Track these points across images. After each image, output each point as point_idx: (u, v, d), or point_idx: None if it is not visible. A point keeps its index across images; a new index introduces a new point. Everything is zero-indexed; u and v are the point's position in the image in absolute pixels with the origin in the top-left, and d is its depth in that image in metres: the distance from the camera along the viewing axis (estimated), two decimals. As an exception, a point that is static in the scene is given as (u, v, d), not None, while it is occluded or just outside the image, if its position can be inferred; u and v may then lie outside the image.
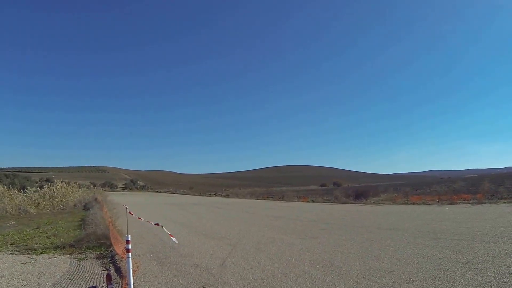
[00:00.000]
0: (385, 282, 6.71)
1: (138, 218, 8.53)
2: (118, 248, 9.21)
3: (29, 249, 10.70)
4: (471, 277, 6.76)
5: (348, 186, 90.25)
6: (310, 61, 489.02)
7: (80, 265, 8.83)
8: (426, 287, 6.29)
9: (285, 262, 8.74)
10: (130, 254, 6.05)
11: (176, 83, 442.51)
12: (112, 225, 11.70)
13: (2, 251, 10.39)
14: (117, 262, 8.85)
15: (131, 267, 5.97)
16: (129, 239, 6.21)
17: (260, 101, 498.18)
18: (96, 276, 7.71)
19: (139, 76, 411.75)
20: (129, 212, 8.68)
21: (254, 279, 7.23)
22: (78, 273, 8.04)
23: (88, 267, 8.59)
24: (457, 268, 7.47)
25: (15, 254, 9.99)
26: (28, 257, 9.56)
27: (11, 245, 11.41)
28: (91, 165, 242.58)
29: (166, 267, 8.53)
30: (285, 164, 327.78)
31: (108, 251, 10.32)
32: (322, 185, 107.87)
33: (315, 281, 6.90)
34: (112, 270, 8.15)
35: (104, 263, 8.98)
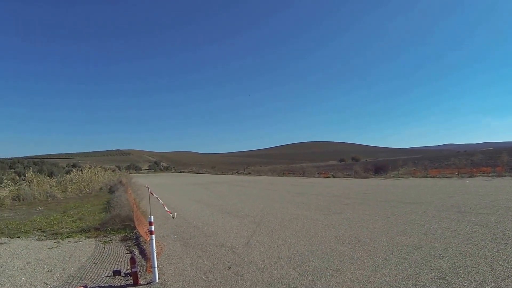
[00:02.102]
0: (414, 258, 6.48)
1: (158, 199, 8.35)
2: (142, 230, 9.14)
3: (56, 233, 10.78)
4: (502, 252, 6.50)
5: (366, 161, 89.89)
6: (326, 37, 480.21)
7: (105, 248, 8.80)
8: (457, 264, 6.02)
9: (310, 239, 8.60)
10: (153, 236, 5.88)
11: (195, 65, 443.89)
12: (136, 206, 11.65)
13: (30, 237, 10.48)
14: (142, 244, 8.80)
15: (154, 249, 5.81)
16: (152, 220, 6.03)
17: (277, 79, 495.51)
18: (121, 259, 7.65)
19: (160, 59, 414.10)
20: (150, 193, 8.51)
21: (281, 258, 7.06)
22: (103, 256, 8.00)
23: (113, 250, 8.55)
24: (487, 243, 7.20)
25: (42, 239, 10.05)
26: (54, 242, 9.60)
27: (38, 230, 11.53)
28: (116, 148, 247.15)
29: (191, 248, 8.41)
30: (304, 141, 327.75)
31: (132, 233, 10.32)
32: (340, 160, 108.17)
33: (343, 259, 6.73)
34: (136, 253, 8.08)
35: (128, 246, 8.93)
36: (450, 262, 6.10)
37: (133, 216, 11.20)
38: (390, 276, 5.61)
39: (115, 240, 9.75)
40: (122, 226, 11.14)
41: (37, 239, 10.11)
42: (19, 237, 10.50)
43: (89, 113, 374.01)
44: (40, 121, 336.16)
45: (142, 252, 8.12)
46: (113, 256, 8.01)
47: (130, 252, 7.65)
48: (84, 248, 8.86)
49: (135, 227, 10.49)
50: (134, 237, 9.77)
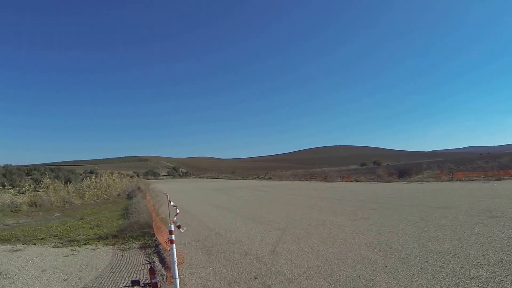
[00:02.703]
0: (451, 267, 6.14)
1: (174, 206, 8.04)
2: (162, 238, 8.88)
3: (72, 240, 10.65)
4: (545, 260, 6.11)
5: (388, 164, 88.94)
6: (342, 37, 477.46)
7: (123, 256, 8.57)
8: (498, 273, 5.66)
9: (339, 246, 8.35)
10: (174, 245, 5.55)
11: (211, 70, 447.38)
12: (155, 213, 11.43)
13: (46, 244, 10.36)
14: (162, 252, 8.55)
15: (175, 259, 5.49)
16: (172, 229, 5.72)
17: (296, 81, 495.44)
18: (140, 268, 7.40)
19: (176, 65, 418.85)
20: (168, 200, 8.22)
21: (310, 267, 6.76)
22: (121, 264, 7.76)
23: (131, 258, 8.31)
24: (527, 251, 6.82)
25: (58, 247, 9.91)
26: (71, 249, 9.44)
27: (55, 237, 11.43)
28: (134, 155, 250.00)
29: (214, 256, 8.10)
30: (324, 145, 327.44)
31: (152, 240, 10.08)
32: (362, 164, 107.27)
33: (376, 267, 6.44)
34: (156, 262, 7.82)
35: (147, 254, 8.68)
36: (490, 271, 5.76)
37: (152, 223, 10.97)
38: (427, 287, 5.31)
39: (134, 247, 9.52)
40: (141, 233, 10.93)
41: (53, 246, 9.98)
42: (35, 244, 10.39)
43: (106, 120, 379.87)
44: (56, 128, 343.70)
45: (162, 261, 7.86)
46: (132, 264, 7.77)
47: (150, 262, 7.37)
48: (102, 256, 8.66)
49: (154, 234, 10.26)
50: (154, 245, 9.52)
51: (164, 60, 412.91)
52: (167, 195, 8.01)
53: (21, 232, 12.51)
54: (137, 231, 11.15)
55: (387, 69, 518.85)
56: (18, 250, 9.47)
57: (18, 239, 11.11)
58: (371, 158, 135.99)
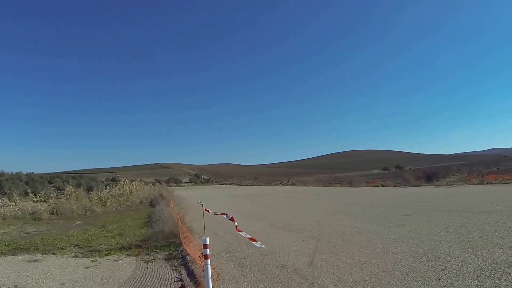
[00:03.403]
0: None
1: (215, 213, 7.41)
2: (190, 248, 8.33)
3: (93, 250, 10.20)
4: None
5: (410, 168, 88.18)
6: (363, 42, 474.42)
7: (147, 268, 8.01)
8: None
9: (382, 256, 7.76)
10: (209, 260, 4.94)
11: (232, 78, 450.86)
12: (182, 222, 10.88)
13: (66, 254, 9.95)
14: (190, 265, 7.94)
15: (210, 276, 4.88)
16: (207, 242, 5.10)
17: (316, 88, 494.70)
18: (166, 282, 6.82)
19: (196, 75, 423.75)
20: (205, 209, 7.61)
21: (355, 281, 6.16)
22: (145, 278, 7.20)
23: (156, 271, 7.74)
24: None
25: (78, 257, 9.47)
26: (92, 260, 8.96)
27: (75, 247, 11.03)
28: (155, 162, 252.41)
29: (247, 269, 7.44)
30: (345, 150, 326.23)
31: (178, 251, 9.52)
32: (384, 169, 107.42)
33: (428, 281, 5.89)
34: (184, 275, 7.23)
35: (174, 266, 8.10)
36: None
37: (178, 232, 10.44)
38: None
39: (159, 258, 8.95)
40: (166, 243, 10.37)
41: (73, 257, 9.54)
42: (54, 253, 10.01)
43: (127, 128, 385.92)
44: (79, 136, 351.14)
45: (191, 274, 7.26)
46: (157, 278, 7.20)
47: (180, 279, 6.75)
48: (124, 268, 8.12)
49: (180, 244, 9.75)
50: (180, 256, 8.94)
51: (186, 71, 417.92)
52: (202, 204, 7.37)
53: (40, 240, 12.19)
54: (162, 241, 10.62)
55: (409, 72, 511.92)
56: (37, 260, 9.07)
57: (37, 248, 10.75)
58: (392, 162, 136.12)
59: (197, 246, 8.01)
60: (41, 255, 9.80)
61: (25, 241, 12.20)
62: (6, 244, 11.65)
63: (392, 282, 5.91)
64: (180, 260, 8.54)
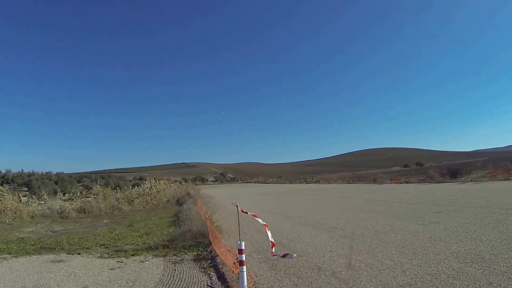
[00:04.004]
0: None
1: (254, 215, 6.84)
2: (219, 249, 7.82)
3: (119, 250, 9.84)
4: None
5: (430, 165, 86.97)
6: (382, 43, 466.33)
7: (175, 270, 7.55)
8: None
9: (423, 257, 7.28)
10: (244, 267, 4.40)
11: (259, 80, 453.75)
12: (210, 221, 10.39)
13: (91, 254, 9.63)
14: (219, 266, 7.44)
15: (245, 284, 4.32)
16: (243, 247, 4.57)
17: (336, 89, 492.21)
18: (196, 286, 6.33)
19: (222, 79, 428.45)
20: (242, 211, 7.04)
21: (400, 286, 5.66)
22: (173, 281, 6.75)
23: (185, 273, 7.27)
24: None
25: (104, 257, 9.12)
26: (117, 261, 8.58)
27: (101, 246, 10.74)
28: (182, 162, 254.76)
29: (282, 272, 6.89)
30: (365, 148, 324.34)
31: (206, 251, 9.04)
32: (405, 166, 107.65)
33: (479, 284, 5.42)
34: (214, 277, 6.74)
35: (203, 268, 7.61)
36: None
37: (206, 232, 9.98)
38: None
39: (187, 259, 8.50)
40: (194, 243, 9.91)
41: (98, 257, 9.20)
42: (79, 253, 9.72)
43: (155, 130, 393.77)
44: (109, 138, 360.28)
45: (221, 277, 6.76)
46: (186, 281, 6.73)
47: (212, 287, 6.22)
48: (151, 270, 7.68)
49: (208, 244, 9.31)
50: (209, 257, 8.46)
51: (212, 74, 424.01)
52: (237, 205, 6.81)
53: (66, 239, 11.98)
54: (190, 241, 10.17)
55: (427, 71, 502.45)
56: (61, 260, 8.76)
57: (62, 248, 10.49)
58: (412, 160, 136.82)
59: (227, 246, 7.50)
60: (66, 255, 9.52)
61: (51, 240, 12.00)
62: (32, 243, 11.47)
63: (440, 287, 5.42)
64: (209, 262, 8.07)
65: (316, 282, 6.15)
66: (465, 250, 7.47)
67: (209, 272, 7.22)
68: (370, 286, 5.74)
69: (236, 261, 4.96)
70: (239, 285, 5.37)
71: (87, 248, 10.48)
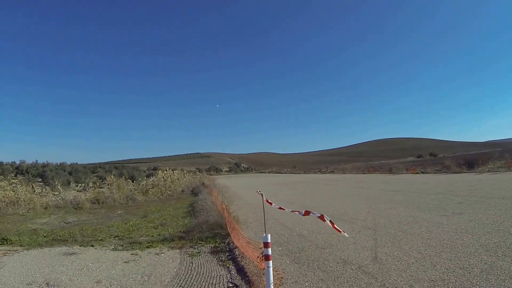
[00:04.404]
0: None
1: (280, 208, 6.41)
2: (237, 240, 7.45)
3: (134, 242, 9.55)
4: None
5: (444, 155, 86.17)
6: (397, 35, 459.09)
7: (192, 263, 7.20)
8: None
9: (451, 250, 6.96)
10: (270, 262, 4.00)
11: (272, 71, 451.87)
12: (228, 212, 10.03)
13: (105, 246, 9.35)
14: (238, 259, 7.07)
15: (271, 281, 3.92)
16: (269, 240, 4.16)
17: (351, 79, 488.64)
18: (215, 281, 5.96)
19: (237, 67, 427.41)
20: (267, 201, 6.60)
21: (432, 281, 5.35)
22: (191, 275, 6.40)
23: (202, 267, 6.92)
24: None
25: (118, 249, 8.84)
26: (132, 254, 8.28)
27: (115, 238, 10.48)
28: (196, 152, 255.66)
29: (305, 266, 6.50)
30: (379, 138, 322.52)
31: (224, 243, 8.71)
32: (419, 156, 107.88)
33: None
34: (233, 271, 6.37)
35: (221, 261, 7.25)
36: None
37: (223, 223, 9.64)
38: None
39: (204, 252, 8.16)
40: (211, 235, 9.58)
41: (112, 249, 8.92)
42: (93, 245, 9.44)
43: (168, 120, 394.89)
44: (122, 128, 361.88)
45: (240, 271, 6.40)
46: (204, 275, 6.39)
47: (234, 285, 5.83)
48: (167, 263, 7.35)
49: (226, 236, 8.98)
50: (227, 249, 8.11)
51: (227, 64, 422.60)
52: (262, 194, 6.37)
53: (79, 231, 11.77)
54: (206, 232, 9.84)
55: (442, 63, 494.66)
56: (74, 253, 8.49)
57: (75, 240, 10.25)
58: (426, 150, 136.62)
59: (246, 238, 7.14)
60: (79, 247, 9.27)
61: (64, 231, 11.80)
62: (45, 234, 11.28)
63: (475, 282, 5.13)
64: (228, 254, 7.73)
65: (343, 276, 5.79)
66: (495, 243, 7.16)
67: (227, 265, 6.87)
68: (401, 281, 5.39)
69: (261, 255, 4.56)
70: (262, 281, 5.00)
71: (101, 240, 10.22)
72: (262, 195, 6.07)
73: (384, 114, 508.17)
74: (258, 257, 5.11)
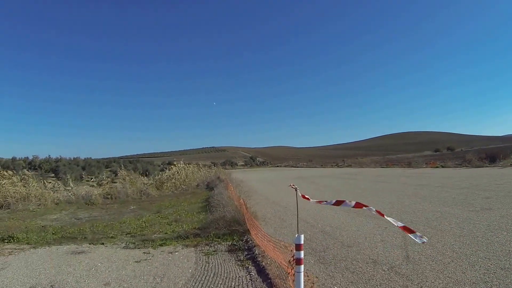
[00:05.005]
0: None
1: (319, 202, 5.88)
2: (257, 238, 6.98)
3: (146, 240, 9.18)
4: None
5: (461, 150, 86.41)
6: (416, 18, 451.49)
7: (208, 263, 6.75)
8: None
9: (488, 248, 6.52)
10: (302, 267, 3.49)
11: (286, 58, 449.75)
12: (246, 208, 9.54)
13: (116, 244, 8.99)
14: (258, 259, 6.59)
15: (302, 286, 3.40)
16: (302, 241, 3.65)
17: (364, 68, 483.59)
18: (233, 283, 5.50)
19: (249, 54, 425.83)
20: (303, 196, 6.11)
21: (473, 283, 4.91)
22: (207, 276, 5.96)
23: (219, 267, 6.47)
24: None
25: (130, 248, 8.46)
26: (144, 252, 7.88)
27: (127, 235, 10.14)
28: (211, 146, 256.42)
29: (332, 267, 6.02)
30: (394, 132, 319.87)
31: (242, 240, 8.27)
32: (436, 150, 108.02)
33: None
34: (253, 272, 5.90)
35: (240, 260, 6.78)
36: None
37: (241, 219, 9.20)
38: None
39: (221, 250, 7.71)
40: (228, 231, 9.13)
41: (123, 247, 8.55)
42: (103, 243, 9.09)
43: (183, 114, 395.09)
44: (136, 121, 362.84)
45: (261, 272, 5.92)
46: (222, 276, 5.94)
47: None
48: (182, 262, 6.91)
49: (244, 232, 8.57)
50: (246, 247, 7.65)
51: (237, 51, 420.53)
52: (296, 188, 5.86)
53: (90, 228, 11.48)
54: (223, 229, 9.41)
55: (459, 52, 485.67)
56: (82, 252, 8.13)
57: (85, 237, 9.93)
58: (442, 144, 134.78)
59: (267, 236, 6.65)
60: (88, 245, 8.92)
61: (74, 228, 11.50)
62: (54, 232, 10.97)
63: None
64: (246, 253, 7.27)
65: (375, 278, 5.34)
66: (533, 241, 6.77)
67: (247, 265, 6.41)
68: (439, 283, 4.96)
69: (292, 259, 4.05)
70: (289, 285, 4.50)
71: (112, 237, 9.88)
72: (296, 190, 5.58)
73: (400, 107, 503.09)
74: (289, 260, 4.56)
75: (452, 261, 5.83)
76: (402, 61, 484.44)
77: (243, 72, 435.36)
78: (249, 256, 7.02)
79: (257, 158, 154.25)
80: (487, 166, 32.40)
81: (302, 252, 3.75)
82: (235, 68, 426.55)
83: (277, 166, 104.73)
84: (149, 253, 7.81)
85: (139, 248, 8.38)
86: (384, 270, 5.62)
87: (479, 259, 5.84)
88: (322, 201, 5.14)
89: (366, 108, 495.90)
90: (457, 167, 35.58)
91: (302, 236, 3.95)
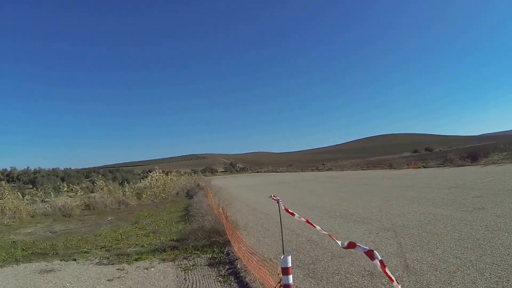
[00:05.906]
0: None
1: (308, 223, 5.24)
2: (240, 251, 6.41)
3: (121, 254, 8.50)
4: None
5: (439, 150, 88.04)
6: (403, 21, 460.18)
7: (187, 279, 6.16)
8: None
9: (492, 251, 6.06)
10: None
11: (261, 63, 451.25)
12: (226, 217, 8.95)
13: (88, 259, 8.28)
14: (241, 274, 6.00)
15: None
16: (289, 264, 3.10)
17: (342, 73, 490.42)
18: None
19: (226, 59, 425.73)
20: (286, 210, 5.55)
21: None
22: (185, 296, 5.31)
23: (198, 284, 5.90)
24: None
25: (103, 263, 7.78)
26: (118, 269, 7.21)
27: (101, 249, 9.42)
28: (191, 153, 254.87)
29: (324, 282, 5.44)
30: (373, 135, 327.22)
31: (223, 253, 7.69)
32: (414, 151, 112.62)
33: None
34: (235, 288, 5.33)
35: (221, 274, 6.19)
36: None
37: (221, 229, 8.65)
38: None
39: (200, 264, 7.10)
40: (208, 243, 8.53)
41: (96, 263, 7.85)
42: (75, 259, 8.35)
43: (163, 122, 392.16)
44: (114, 130, 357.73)
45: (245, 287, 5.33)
46: (202, 294, 5.31)
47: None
48: (157, 280, 6.27)
49: (225, 244, 8.02)
50: (227, 261, 7.06)
51: (213, 55, 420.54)
52: (278, 201, 5.28)
53: (63, 242, 10.68)
54: (202, 240, 8.80)
55: (430, 53, 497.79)
56: (52, 270, 7.39)
57: (57, 253, 9.16)
58: (420, 145, 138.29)
59: (249, 248, 6.08)
60: (59, 261, 8.18)
61: (46, 243, 10.68)
62: (24, 248, 10.12)
63: None
64: (228, 267, 6.67)
65: (372, 294, 4.79)
66: (533, 242, 6.37)
67: (229, 281, 5.83)
68: None
69: (279, 285, 3.49)
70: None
71: (85, 252, 9.13)
72: (278, 202, 4.95)
73: (375, 110, 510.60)
74: (275, 287, 3.99)
75: (458, 269, 5.33)
76: (384, 60, 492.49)
77: (220, 78, 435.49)
78: (230, 270, 6.43)
79: (237, 164, 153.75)
80: (470, 165, 32.88)
81: (290, 277, 3.20)
82: (211, 74, 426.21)
83: (257, 172, 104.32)
84: (123, 269, 7.13)
85: (113, 264, 7.69)
86: (384, 284, 5.03)
87: (487, 266, 5.36)
88: (313, 225, 4.53)
89: (344, 112, 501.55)
90: (439, 166, 36.01)
91: (289, 257, 3.41)
